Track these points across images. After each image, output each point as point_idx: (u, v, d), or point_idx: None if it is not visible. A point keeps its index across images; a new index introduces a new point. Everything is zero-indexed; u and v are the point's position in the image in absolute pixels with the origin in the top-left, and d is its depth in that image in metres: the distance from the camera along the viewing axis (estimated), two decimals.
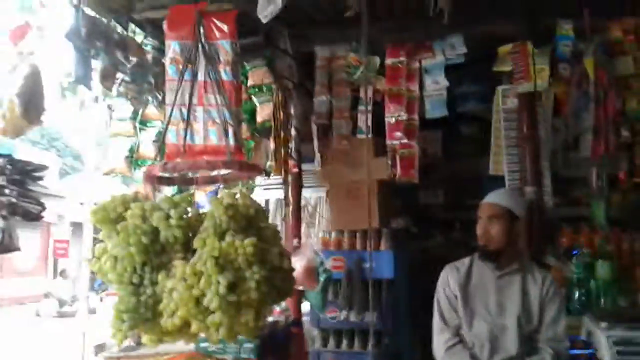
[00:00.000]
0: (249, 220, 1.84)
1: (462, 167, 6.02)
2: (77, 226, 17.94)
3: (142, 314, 1.73)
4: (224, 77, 2.30)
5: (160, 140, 3.98)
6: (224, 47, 2.34)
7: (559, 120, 4.04)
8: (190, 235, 1.83)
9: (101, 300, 13.18)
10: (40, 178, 2.81)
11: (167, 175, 2.08)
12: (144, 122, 4.13)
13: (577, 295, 3.55)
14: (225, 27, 2.34)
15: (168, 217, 1.80)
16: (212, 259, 1.67)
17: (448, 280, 2.66)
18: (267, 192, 5.25)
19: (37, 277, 18.50)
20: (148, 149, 4.10)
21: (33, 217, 2.65)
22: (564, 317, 2.50)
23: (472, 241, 6.25)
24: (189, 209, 1.87)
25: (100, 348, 3.94)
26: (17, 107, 2.37)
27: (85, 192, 10.49)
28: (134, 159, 3.99)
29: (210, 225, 1.75)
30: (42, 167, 2.89)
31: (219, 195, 1.89)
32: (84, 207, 11.35)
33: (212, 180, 2.21)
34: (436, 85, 4.04)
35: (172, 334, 1.77)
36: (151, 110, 4.08)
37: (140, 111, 4.02)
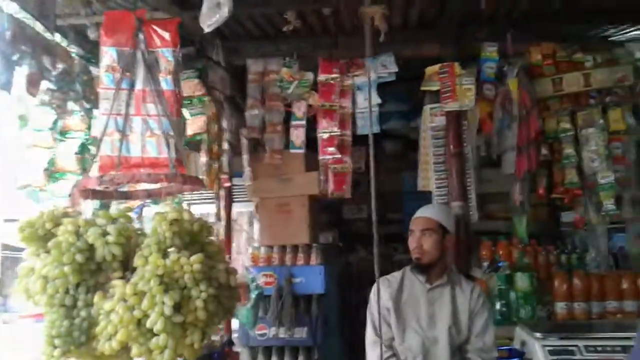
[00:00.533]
0: (193, 236, 1.77)
1: (384, 183, 6.16)
2: None
3: (76, 338, 1.60)
4: (165, 86, 2.21)
5: (83, 152, 3.80)
6: (165, 56, 2.25)
7: (479, 138, 4.21)
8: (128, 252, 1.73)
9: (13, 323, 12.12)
10: None
11: (101, 189, 1.96)
12: (63, 133, 3.89)
13: (498, 306, 3.69)
14: (166, 35, 2.25)
15: (105, 233, 1.69)
16: (156, 277, 1.57)
17: (380, 294, 2.67)
18: (195, 207, 5.09)
19: None
20: (68, 162, 3.86)
21: None
22: (492, 327, 2.59)
23: (394, 255, 6.38)
24: (127, 224, 1.77)
25: None
26: None
27: None
28: (51, 172, 3.73)
29: (153, 242, 1.65)
30: None
31: (144, 211, 1.80)
32: None
33: (149, 194, 2.10)
34: (368, 102, 4.10)
35: (108, 358, 1.65)
36: (72, 120, 3.85)
37: (61, 121, 3.77)
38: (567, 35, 3.92)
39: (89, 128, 3.78)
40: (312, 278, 4.16)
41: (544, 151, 3.85)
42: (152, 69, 2.21)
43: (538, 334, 2.73)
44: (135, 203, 3.89)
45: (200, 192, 4.77)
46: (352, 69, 4.14)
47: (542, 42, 3.87)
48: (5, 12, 2.46)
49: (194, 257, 1.63)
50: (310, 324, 4.06)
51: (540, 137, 3.84)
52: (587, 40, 4.00)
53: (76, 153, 3.77)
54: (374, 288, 2.71)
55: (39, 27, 2.74)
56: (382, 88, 4.13)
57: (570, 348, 2.53)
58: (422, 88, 4.11)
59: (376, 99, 4.07)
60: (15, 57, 2.54)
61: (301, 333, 4.06)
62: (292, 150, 4.12)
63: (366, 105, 4.10)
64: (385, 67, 4.10)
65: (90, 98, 3.34)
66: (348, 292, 5.00)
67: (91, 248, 1.67)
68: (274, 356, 4.11)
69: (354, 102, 4.10)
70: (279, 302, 4.02)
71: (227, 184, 4.28)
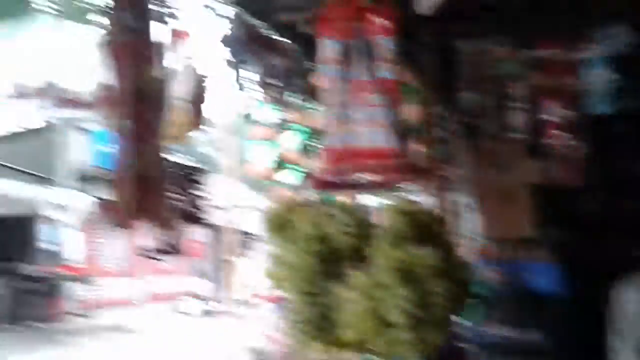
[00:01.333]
0: (426, 228, 1.70)
1: (618, 169, 5.45)
2: (213, 228, 18.45)
3: (319, 325, 1.65)
4: (385, 75, 2.19)
5: (304, 144, 4.04)
6: (384, 45, 2.21)
7: None
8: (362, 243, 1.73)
9: (248, 303, 13.65)
10: (199, 182, 2.88)
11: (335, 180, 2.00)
12: (285, 127, 4.19)
13: None
14: (384, 23, 2.22)
15: (342, 224, 1.71)
16: (395, 270, 1.54)
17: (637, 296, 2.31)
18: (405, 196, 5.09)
19: (176, 275, 19.30)
20: (290, 154, 4.14)
21: (198, 222, 2.72)
22: None
23: (636, 250, 5.58)
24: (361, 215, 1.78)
25: (256, 351, 4.03)
26: (187, 113, 2.42)
27: (220, 196, 10.88)
28: (279, 162, 4.05)
29: (388, 234, 1.63)
30: (202, 171, 2.95)
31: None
32: (222, 210, 11.84)
33: (378, 185, 2.09)
34: (599, 78, 3.66)
35: (346, 346, 1.67)
36: (293, 114, 4.10)
37: (283, 115, 4.06)
38: None
39: (308, 121, 3.99)
40: (543, 275, 3.83)
41: None
42: (372, 58, 2.20)
43: None
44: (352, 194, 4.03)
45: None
46: (577, 43, 3.72)
47: None
48: (237, 17, 2.68)
49: (431, 251, 1.57)
50: (546, 325, 3.75)
51: None
52: None
53: (298, 145, 4.01)
54: (628, 288, 2.36)
55: (259, 25, 2.92)
56: (615, 62, 3.64)
57: None
58: None
59: (608, 75, 3.61)
60: (244, 57, 2.74)
61: (535, 334, 3.77)
62: (511, 135, 3.84)
63: (596, 82, 3.66)
64: (617, 39, 3.61)
65: (308, 91, 3.50)
66: (582, 292, 4.51)
67: (329, 238, 1.71)
68: (506, 357, 3.88)
69: (581, 80, 3.68)
70: (508, 299, 3.78)
71: (442, 173, 4.16)
